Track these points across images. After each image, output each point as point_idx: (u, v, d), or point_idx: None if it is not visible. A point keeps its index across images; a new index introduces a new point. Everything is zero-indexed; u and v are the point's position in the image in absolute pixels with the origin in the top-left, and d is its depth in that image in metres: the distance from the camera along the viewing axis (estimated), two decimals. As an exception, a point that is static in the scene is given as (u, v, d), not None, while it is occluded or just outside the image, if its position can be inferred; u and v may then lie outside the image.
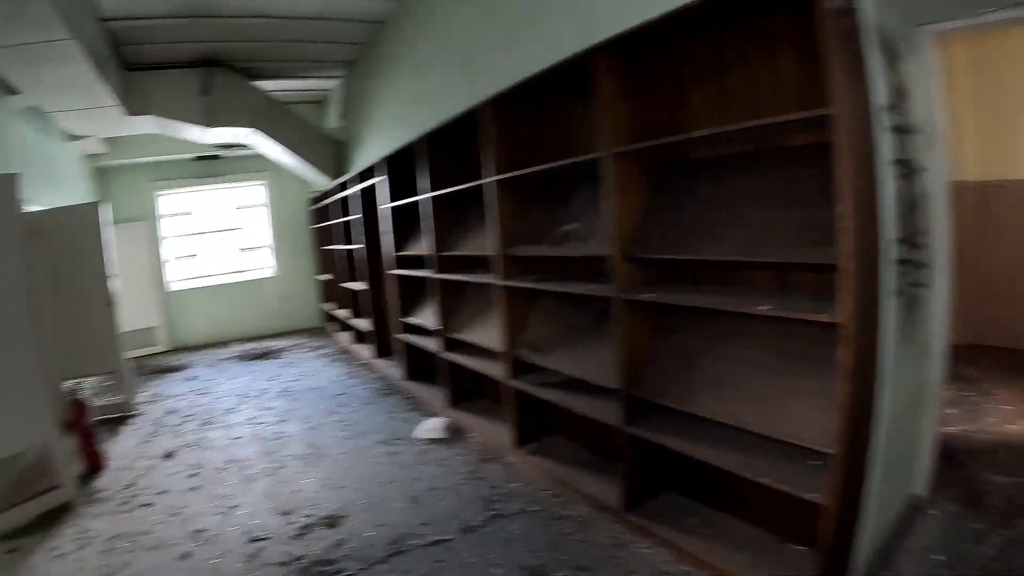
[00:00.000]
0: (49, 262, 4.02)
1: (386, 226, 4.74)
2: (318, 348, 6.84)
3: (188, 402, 4.91)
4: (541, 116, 3.06)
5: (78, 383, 4.58)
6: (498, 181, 3.01)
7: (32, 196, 4.43)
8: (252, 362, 6.35)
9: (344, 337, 6.91)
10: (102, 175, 7.21)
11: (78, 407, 3.44)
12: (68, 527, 2.77)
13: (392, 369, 5.11)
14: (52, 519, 2.85)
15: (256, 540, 2.50)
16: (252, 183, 8.12)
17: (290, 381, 5.30)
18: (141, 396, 5.16)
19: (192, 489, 3.10)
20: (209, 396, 5.04)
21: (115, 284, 4.51)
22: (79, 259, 4.30)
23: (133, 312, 6.78)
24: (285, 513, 2.73)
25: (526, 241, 2.96)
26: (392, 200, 4.51)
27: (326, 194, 6.95)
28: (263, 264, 8.29)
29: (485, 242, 3.29)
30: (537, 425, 3.23)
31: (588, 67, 2.30)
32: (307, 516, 2.68)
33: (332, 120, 7.16)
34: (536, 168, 2.76)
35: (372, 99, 5.72)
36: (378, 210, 4.92)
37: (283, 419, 4.20)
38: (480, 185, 3.21)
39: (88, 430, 3.46)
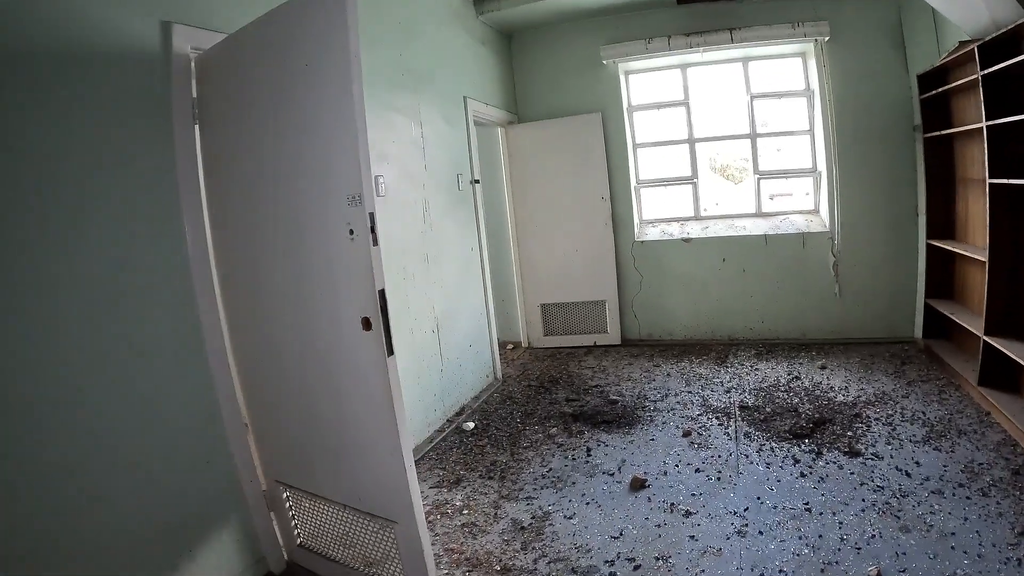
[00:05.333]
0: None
1: None
2: (934, 414, 2.92)
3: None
4: None
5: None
6: None
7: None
8: (784, 445, 2.76)
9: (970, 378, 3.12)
10: (506, 38, 4.63)
11: None
12: None
13: None
14: None
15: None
16: (787, 46, 4.28)
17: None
18: (499, 526, 2.24)
19: None
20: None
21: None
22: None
23: (567, 275, 4.61)
24: None
25: None
26: None
27: (961, 63, 3.11)
28: (805, 206, 4.61)
29: None
30: None
31: None
32: None
33: None
34: None
35: None
36: None
37: None
38: None
39: None
